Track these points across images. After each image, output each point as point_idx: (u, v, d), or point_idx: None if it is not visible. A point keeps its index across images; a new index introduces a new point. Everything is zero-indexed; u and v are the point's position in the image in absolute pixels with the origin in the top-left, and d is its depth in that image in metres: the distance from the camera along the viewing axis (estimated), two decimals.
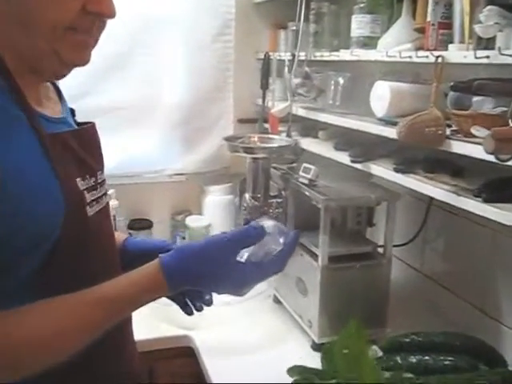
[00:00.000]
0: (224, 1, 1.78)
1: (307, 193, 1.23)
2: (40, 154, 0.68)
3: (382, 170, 1.16)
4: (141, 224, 1.82)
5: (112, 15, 0.71)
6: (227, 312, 1.37)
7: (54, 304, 0.67)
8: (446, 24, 1.03)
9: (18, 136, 0.66)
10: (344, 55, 1.32)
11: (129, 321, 0.86)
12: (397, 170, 1.11)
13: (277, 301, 1.46)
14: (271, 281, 1.41)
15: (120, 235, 0.95)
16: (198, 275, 0.73)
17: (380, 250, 1.28)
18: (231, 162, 1.88)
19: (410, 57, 1.06)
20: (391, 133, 1.09)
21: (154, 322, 1.34)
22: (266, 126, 1.74)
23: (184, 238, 1.86)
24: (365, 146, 1.29)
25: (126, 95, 1.71)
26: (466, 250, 1.33)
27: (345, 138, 1.42)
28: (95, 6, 0.69)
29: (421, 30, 1.10)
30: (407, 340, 1.08)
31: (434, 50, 1.02)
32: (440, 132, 0.96)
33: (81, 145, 0.77)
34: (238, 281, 0.75)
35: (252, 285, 0.77)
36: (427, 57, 1.02)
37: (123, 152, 1.73)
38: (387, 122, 1.14)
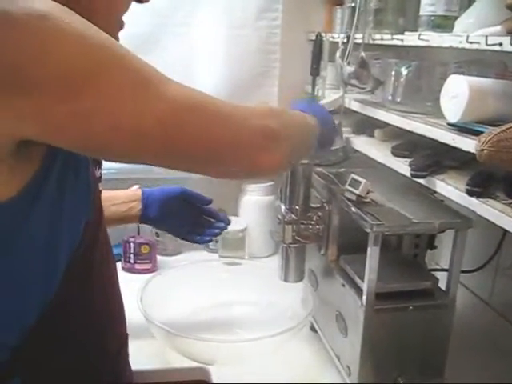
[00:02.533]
0: None
1: (354, 213, 0.99)
2: None
3: (451, 191, 0.89)
4: None
5: None
6: (255, 346, 1.10)
7: None
8: None
9: None
10: (409, 39, 1.05)
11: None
12: (470, 193, 0.85)
13: (314, 329, 1.24)
14: (311, 306, 1.18)
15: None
16: None
17: (441, 280, 1.03)
18: None
19: (501, 44, 0.79)
20: (466, 144, 0.84)
21: (169, 353, 1.15)
22: None
23: (217, 242, 1.66)
24: (430, 152, 1.04)
25: None
26: None
27: (406, 140, 1.17)
28: None
29: None
30: None
31: None
32: None
33: None
34: None
35: None
36: None
37: None
38: (462, 128, 0.88)
